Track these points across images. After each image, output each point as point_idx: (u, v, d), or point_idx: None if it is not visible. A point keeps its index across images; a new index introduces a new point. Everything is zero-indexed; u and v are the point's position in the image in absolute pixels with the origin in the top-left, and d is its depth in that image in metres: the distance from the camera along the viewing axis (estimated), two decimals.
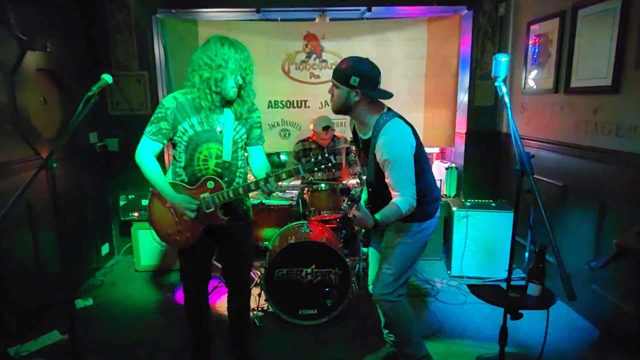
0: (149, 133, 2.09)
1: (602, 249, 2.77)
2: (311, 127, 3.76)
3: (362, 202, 2.04)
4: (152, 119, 2.09)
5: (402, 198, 1.97)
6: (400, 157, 1.98)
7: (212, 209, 2.10)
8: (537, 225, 3.40)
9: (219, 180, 2.11)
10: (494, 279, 3.56)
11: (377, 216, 1.96)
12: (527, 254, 3.55)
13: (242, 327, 2.50)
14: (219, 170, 2.14)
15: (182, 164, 2.14)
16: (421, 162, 2.09)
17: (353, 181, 3.70)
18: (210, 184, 2.10)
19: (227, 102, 2.11)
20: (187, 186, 2.13)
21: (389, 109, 2.12)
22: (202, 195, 2.09)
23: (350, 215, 1.91)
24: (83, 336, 2.71)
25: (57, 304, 3.07)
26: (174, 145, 2.16)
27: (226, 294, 2.46)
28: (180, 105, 2.07)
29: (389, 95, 2.06)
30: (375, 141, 2.03)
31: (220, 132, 2.11)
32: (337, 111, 2.13)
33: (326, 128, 3.64)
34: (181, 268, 2.37)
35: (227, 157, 2.13)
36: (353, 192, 1.94)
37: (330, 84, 2.10)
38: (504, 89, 1.74)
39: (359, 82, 1.98)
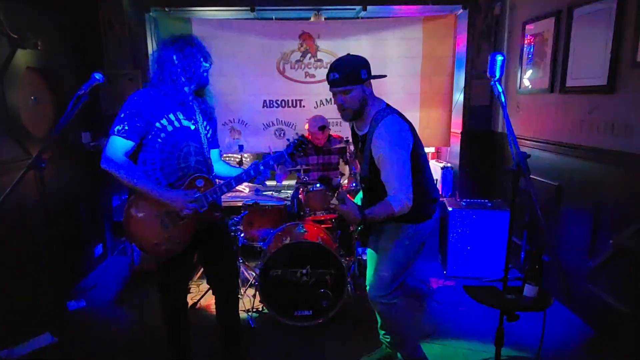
0: (121, 132, 1.89)
1: (597, 248, 2.76)
2: (306, 127, 3.74)
3: (357, 199, 2.02)
4: (121, 115, 1.91)
5: (396, 196, 1.94)
6: (396, 154, 1.94)
7: (205, 208, 2.03)
8: (532, 225, 3.40)
9: (207, 176, 2.05)
10: (489, 278, 3.55)
11: (366, 211, 1.94)
12: (522, 254, 3.55)
13: (234, 328, 2.42)
14: (200, 167, 2.07)
15: (158, 166, 1.99)
16: (419, 161, 2.06)
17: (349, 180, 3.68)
18: (200, 182, 2.02)
19: (195, 96, 2.11)
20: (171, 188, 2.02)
21: (388, 105, 2.10)
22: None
23: (332, 206, 1.89)
24: (75, 338, 2.70)
25: (48, 305, 3.03)
26: (141, 147, 1.99)
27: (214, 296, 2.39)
28: (155, 100, 1.95)
29: (383, 75, 2.11)
30: (372, 137, 2.00)
31: (195, 128, 2.07)
32: (355, 116, 2.06)
33: (322, 128, 3.62)
34: (162, 279, 2.19)
35: (206, 153, 2.10)
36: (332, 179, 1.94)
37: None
38: (500, 89, 1.72)
39: (367, 73, 1.98)
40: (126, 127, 1.90)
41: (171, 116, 1.99)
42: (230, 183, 2.05)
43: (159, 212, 1.99)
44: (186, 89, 2.03)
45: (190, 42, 2.01)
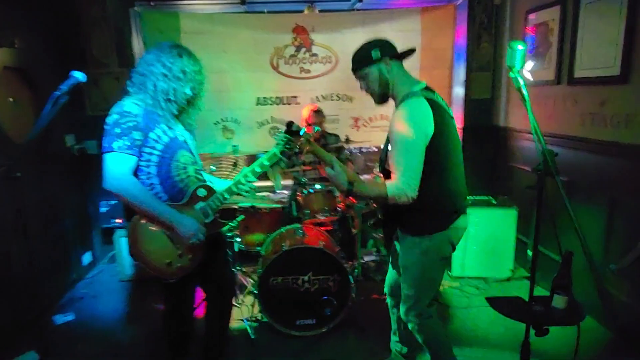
0: (123, 148, 1.73)
1: (612, 247, 2.65)
2: (304, 114, 3.60)
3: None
4: (117, 131, 1.74)
5: (395, 182, 1.77)
6: (406, 139, 1.75)
7: (211, 217, 1.95)
8: (543, 224, 3.28)
9: (208, 185, 1.97)
10: (495, 278, 3.44)
11: (356, 183, 1.82)
12: (529, 252, 3.44)
13: (220, 341, 2.31)
14: (199, 176, 2.00)
15: (156, 180, 1.86)
16: (442, 158, 1.86)
17: None
18: (202, 192, 1.93)
19: (177, 113, 1.96)
20: (173, 202, 1.89)
21: (426, 88, 1.90)
22: (197, 207, 1.92)
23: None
24: (63, 355, 2.52)
25: (33, 321, 2.85)
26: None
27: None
28: (146, 111, 1.82)
29: (411, 51, 1.99)
30: (394, 114, 1.86)
31: (184, 139, 1.98)
32: (382, 99, 1.95)
33: (316, 111, 3.53)
34: (169, 304, 2.13)
35: (200, 163, 2.03)
36: (295, 127, 2.00)
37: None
38: (522, 81, 1.58)
39: (381, 51, 1.88)
40: (127, 143, 1.74)
41: (163, 126, 1.86)
42: (231, 189, 1.97)
43: (167, 229, 1.87)
44: (164, 106, 1.86)
45: (183, 68, 1.85)
